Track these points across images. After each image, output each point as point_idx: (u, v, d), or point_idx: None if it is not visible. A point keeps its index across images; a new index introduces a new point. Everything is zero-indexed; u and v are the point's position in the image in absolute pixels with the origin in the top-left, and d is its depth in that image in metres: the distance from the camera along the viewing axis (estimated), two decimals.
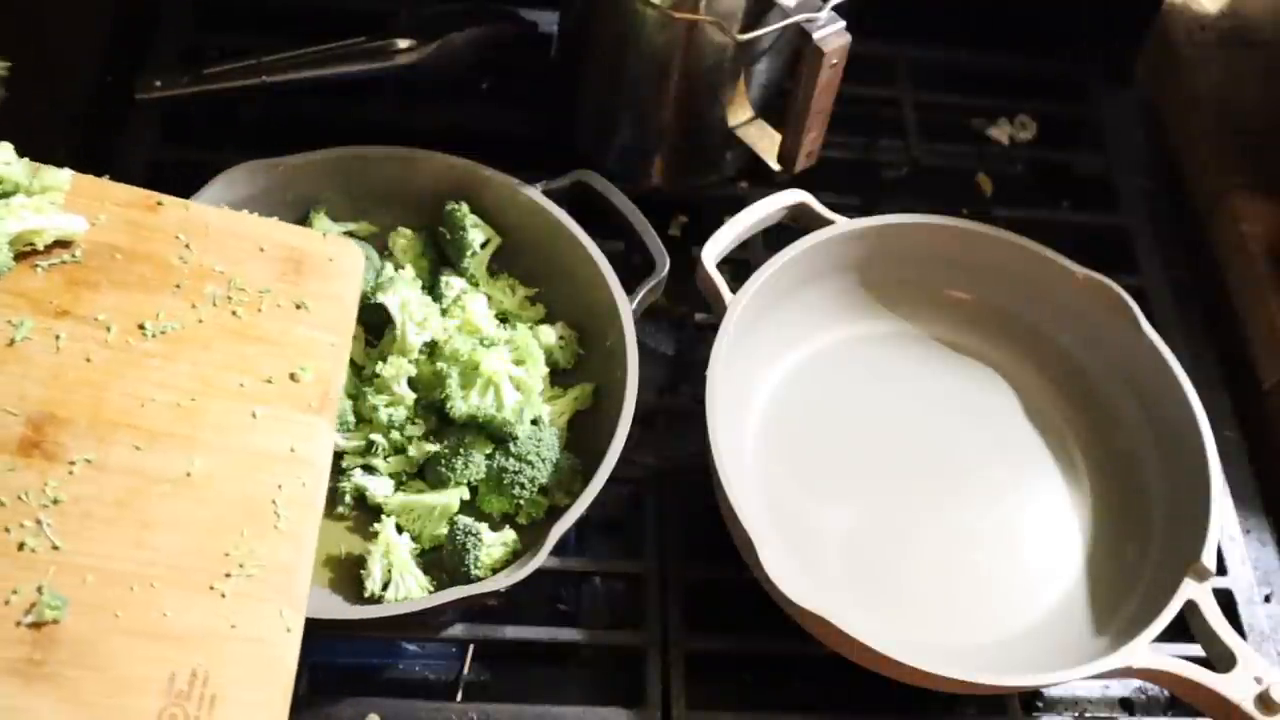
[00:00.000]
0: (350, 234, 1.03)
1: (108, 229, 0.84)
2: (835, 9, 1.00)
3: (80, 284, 0.82)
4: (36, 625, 0.68)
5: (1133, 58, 1.36)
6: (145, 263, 0.84)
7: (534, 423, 0.96)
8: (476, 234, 1.03)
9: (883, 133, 1.28)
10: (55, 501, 0.73)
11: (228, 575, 0.73)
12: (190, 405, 0.79)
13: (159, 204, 0.87)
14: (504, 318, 1.03)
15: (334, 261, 0.89)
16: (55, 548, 0.71)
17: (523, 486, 0.93)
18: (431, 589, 0.90)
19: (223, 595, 0.72)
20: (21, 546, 0.71)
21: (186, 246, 0.86)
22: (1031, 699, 0.97)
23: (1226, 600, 1.02)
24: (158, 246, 0.85)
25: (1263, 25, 1.34)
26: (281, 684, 0.72)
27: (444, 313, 1.01)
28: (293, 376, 0.82)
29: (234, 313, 0.84)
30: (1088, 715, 0.98)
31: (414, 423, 0.96)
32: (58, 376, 0.77)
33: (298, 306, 0.86)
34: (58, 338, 0.79)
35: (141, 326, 0.81)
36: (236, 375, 0.81)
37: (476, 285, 1.04)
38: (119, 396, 0.78)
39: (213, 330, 0.83)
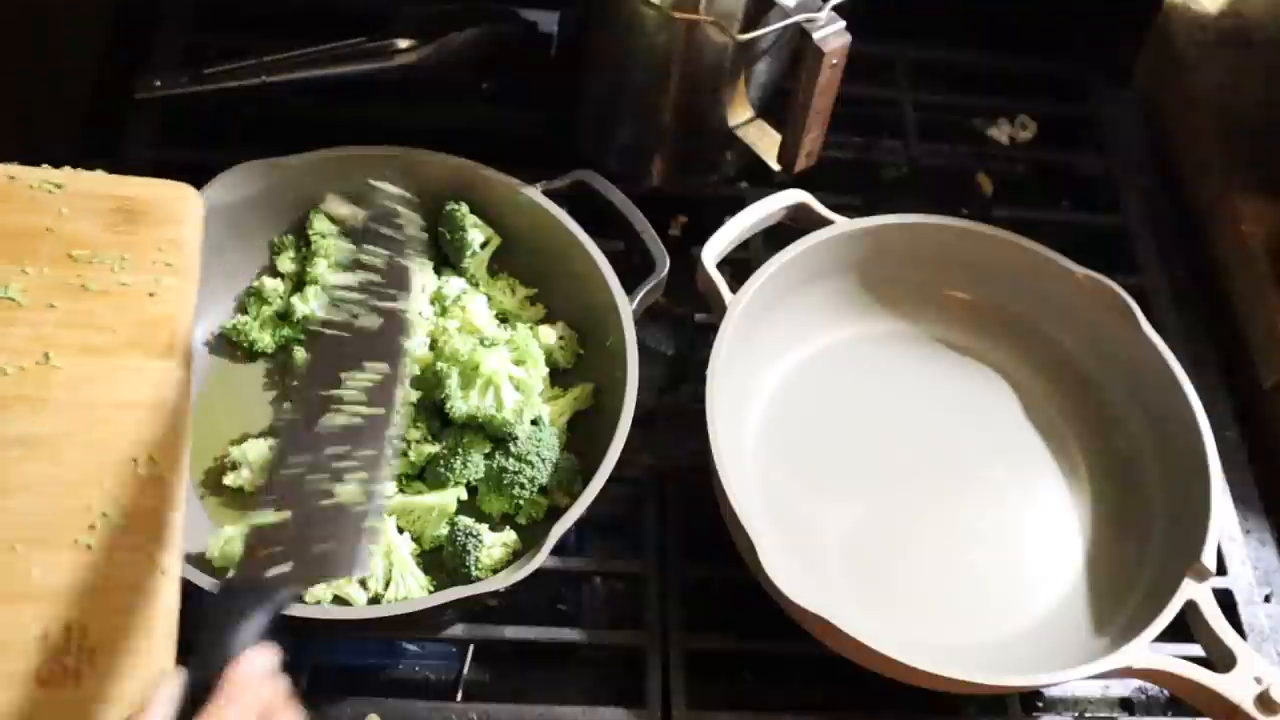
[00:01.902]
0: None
1: None
2: (835, 9, 1.00)
3: None
4: None
5: (1132, 58, 1.36)
6: None
7: (534, 423, 0.96)
8: (476, 234, 1.03)
9: (882, 133, 1.28)
10: None
11: (91, 527, 0.72)
12: (34, 367, 0.77)
13: None
14: (504, 318, 1.03)
15: (167, 205, 0.86)
16: None
17: (523, 486, 0.93)
18: (431, 589, 0.90)
19: (88, 547, 0.72)
20: None
21: (11, 210, 0.83)
22: (1031, 699, 0.97)
23: (1226, 600, 1.02)
24: None
25: (1263, 25, 1.34)
26: (161, 627, 0.71)
27: (444, 313, 1.01)
28: (138, 324, 0.80)
29: (69, 269, 0.81)
30: (1088, 715, 0.98)
31: (415, 426, 0.96)
32: None
33: (136, 255, 0.83)
34: None
35: None
36: (80, 331, 0.79)
37: (476, 285, 1.04)
38: None
39: (47, 290, 0.80)
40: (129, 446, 0.75)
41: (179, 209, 0.87)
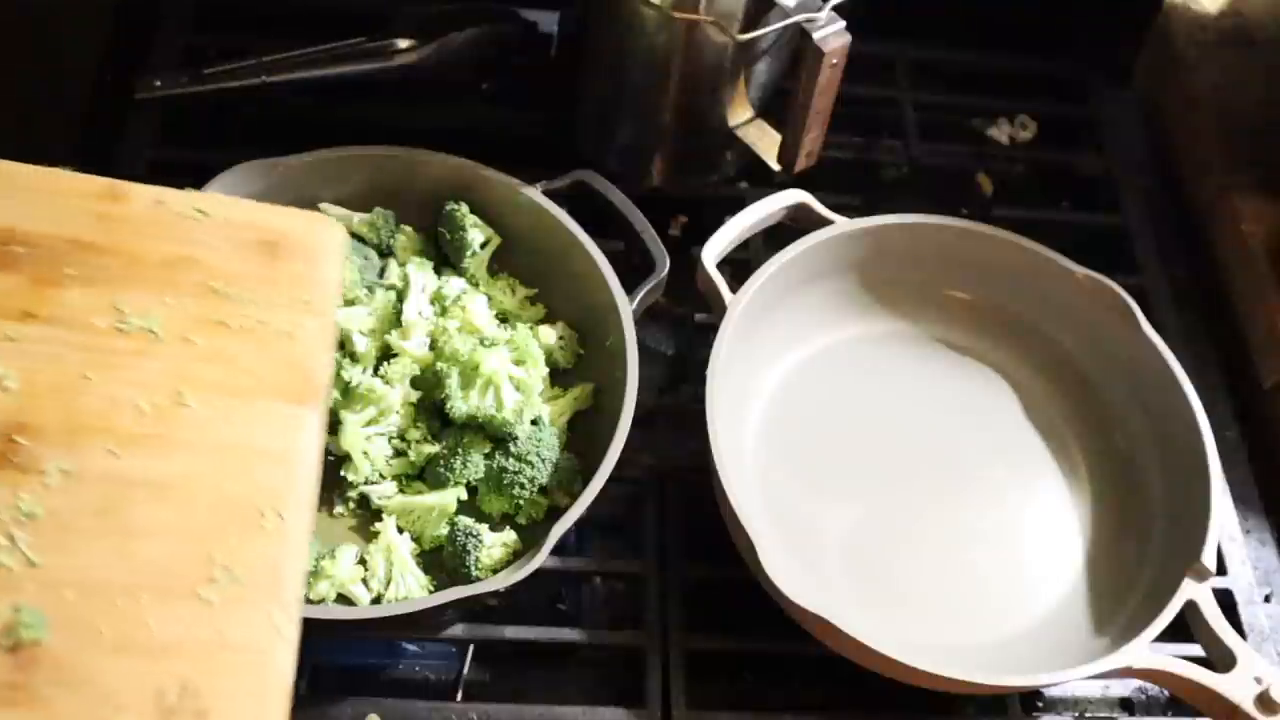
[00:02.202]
0: (351, 233, 1.03)
1: (72, 223, 0.80)
2: (835, 9, 1.00)
3: (45, 283, 0.77)
4: (14, 648, 0.65)
5: (1132, 58, 1.36)
6: (111, 256, 0.79)
7: (534, 423, 0.96)
8: (476, 234, 1.03)
9: (882, 133, 1.28)
10: (30, 516, 0.69)
11: (213, 581, 0.69)
12: (167, 404, 0.74)
13: (124, 194, 0.82)
14: (504, 318, 1.03)
15: (313, 242, 0.84)
16: (32, 564, 0.67)
17: (523, 486, 0.93)
18: (431, 589, 0.90)
19: (209, 602, 0.69)
20: None
21: (156, 236, 0.81)
22: (1031, 699, 0.97)
23: (1226, 600, 1.02)
24: (124, 238, 0.80)
25: (1263, 25, 1.34)
26: (276, 690, 0.69)
27: (444, 313, 1.01)
28: (275, 366, 0.78)
29: (208, 303, 0.79)
30: (1088, 715, 0.98)
31: (415, 426, 0.96)
32: (26, 382, 0.73)
33: (276, 291, 0.81)
34: (23, 341, 0.75)
35: (112, 324, 0.77)
36: (215, 369, 0.77)
37: (476, 285, 1.04)
38: (92, 399, 0.73)
39: (187, 323, 0.78)
40: (257, 497, 0.72)
41: (322, 245, 0.84)
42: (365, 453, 0.94)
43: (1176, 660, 0.89)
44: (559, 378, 1.02)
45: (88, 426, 0.73)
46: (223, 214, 0.83)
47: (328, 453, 0.86)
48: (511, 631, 0.93)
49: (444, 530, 0.92)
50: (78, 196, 0.81)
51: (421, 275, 1.02)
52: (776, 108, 1.11)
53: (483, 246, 1.04)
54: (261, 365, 0.77)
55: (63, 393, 0.74)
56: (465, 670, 0.94)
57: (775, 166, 1.11)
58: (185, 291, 0.79)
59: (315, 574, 0.88)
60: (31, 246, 0.78)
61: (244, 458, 0.74)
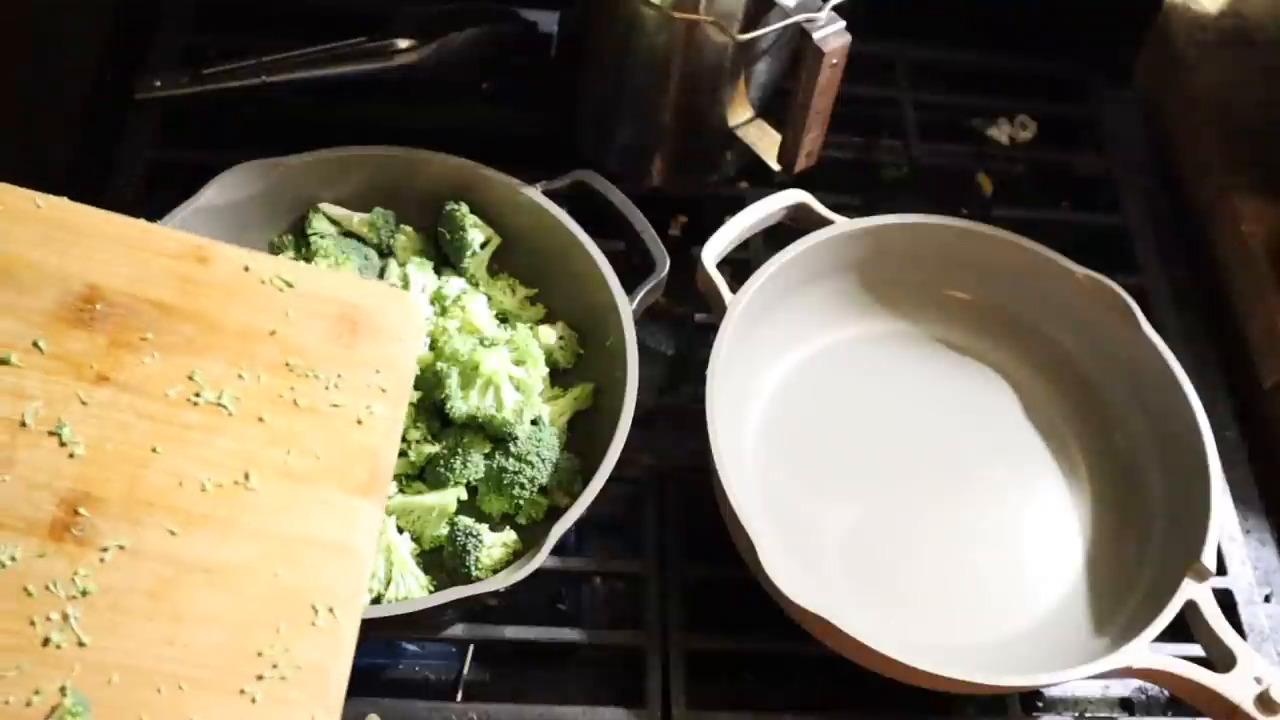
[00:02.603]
0: (350, 234, 1.03)
1: (156, 284, 0.78)
2: (835, 9, 1.00)
3: (122, 346, 0.76)
4: None
5: (1132, 58, 1.36)
6: (191, 322, 0.78)
7: (534, 423, 0.96)
8: (476, 234, 1.03)
9: (882, 133, 1.28)
10: (84, 593, 0.68)
11: (260, 677, 0.69)
12: (231, 486, 0.74)
13: (211, 256, 0.81)
14: (504, 318, 1.03)
15: (391, 318, 0.83)
16: (81, 644, 0.67)
17: (523, 486, 0.93)
18: (431, 589, 0.90)
19: (253, 700, 0.68)
20: (47, 642, 0.67)
21: (238, 305, 0.80)
22: (1031, 699, 0.97)
23: (1226, 600, 1.02)
24: (205, 303, 0.79)
25: (1263, 25, 1.34)
26: None
27: (444, 313, 1.01)
28: (342, 454, 0.77)
29: (283, 380, 0.78)
30: (1088, 715, 0.98)
31: (415, 426, 0.96)
32: (93, 451, 0.72)
33: (352, 373, 0.80)
34: (95, 406, 0.74)
35: (185, 395, 0.76)
36: (282, 452, 0.76)
37: (476, 285, 1.04)
38: (157, 474, 0.73)
39: (261, 400, 0.77)
40: (311, 592, 0.71)
41: (402, 324, 0.83)
42: None
43: (1176, 660, 0.89)
44: (559, 378, 1.02)
45: (150, 503, 0.72)
46: (307, 285, 0.82)
47: None
48: (511, 631, 0.93)
49: (444, 530, 0.92)
50: (165, 256, 0.79)
51: (421, 275, 1.01)
52: (776, 108, 1.11)
53: (483, 246, 1.04)
54: (329, 451, 0.76)
55: (129, 464, 0.73)
56: (465, 670, 0.94)
57: (775, 166, 1.11)
58: (261, 366, 0.78)
59: None
60: (112, 306, 0.77)
61: (302, 548, 0.73)
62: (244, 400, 0.77)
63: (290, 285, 0.82)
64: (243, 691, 0.68)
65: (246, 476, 0.74)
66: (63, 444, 0.72)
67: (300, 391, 0.78)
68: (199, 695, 0.67)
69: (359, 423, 0.78)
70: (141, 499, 0.72)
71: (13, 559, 0.68)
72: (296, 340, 0.79)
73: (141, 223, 0.82)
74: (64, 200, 0.79)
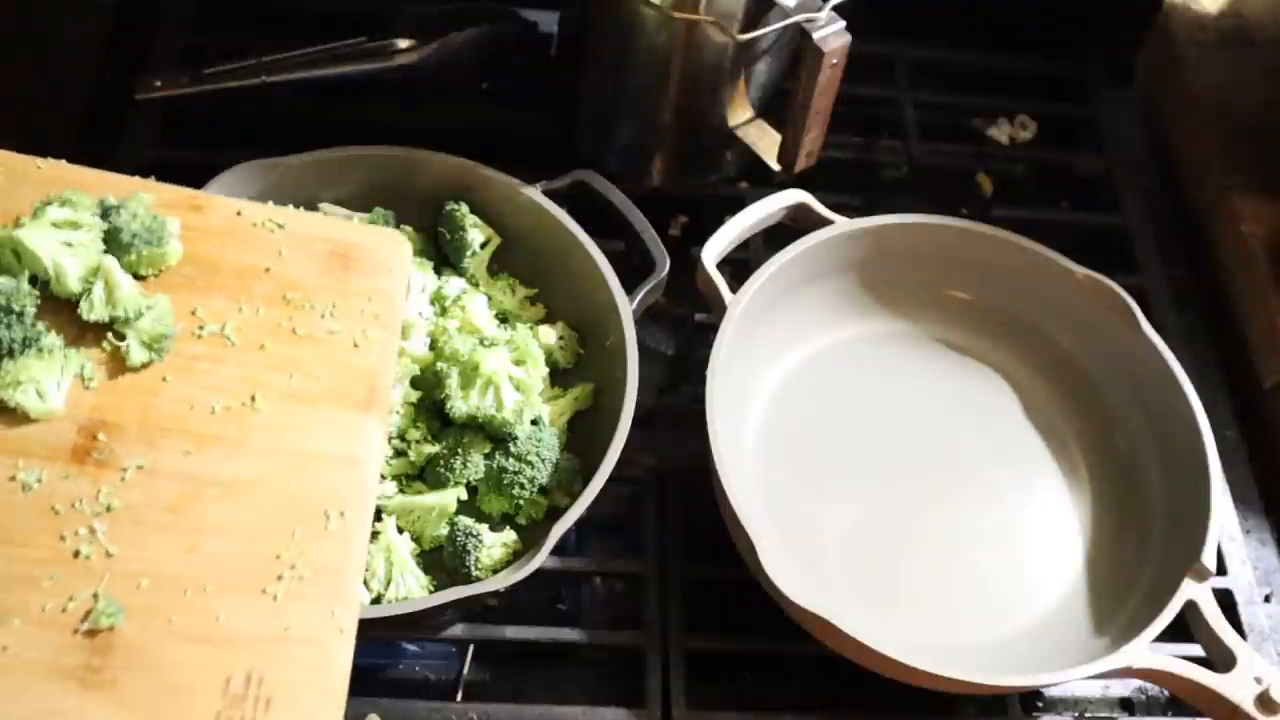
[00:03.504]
0: None
1: None
2: (835, 9, 1.00)
3: None
4: (93, 632, 0.69)
5: (1132, 58, 1.36)
6: (190, 264, 0.83)
7: (534, 423, 0.96)
8: (476, 234, 1.03)
9: (882, 133, 1.28)
10: (108, 508, 0.73)
11: (279, 578, 0.73)
12: (239, 408, 0.78)
13: (204, 205, 0.86)
14: (504, 318, 1.03)
15: (382, 255, 0.88)
16: (109, 554, 0.71)
17: (522, 487, 0.93)
18: (431, 589, 0.90)
19: (275, 598, 0.72)
20: (77, 554, 0.71)
21: (234, 247, 0.85)
22: (1031, 699, 0.97)
23: (1226, 600, 1.02)
24: (202, 247, 0.84)
25: (1263, 25, 1.35)
26: (335, 684, 0.72)
27: (444, 313, 1.01)
28: (342, 374, 0.81)
29: (281, 312, 0.83)
30: (1088, 715, 0.98)
31: (415, 426, 0.96)
32: (107, 383, 0.77)
33: (345, 303, 0.84)
34: (106, 345, 0.79)
35: (190, 329, 0.80)
36: (285, 376, 0.80)
37: (476, 285, 1.04)
38: (168, 401, 0.77)
39: (260, 331, 0.82)
40: (321, 499, 0.76)
41: (390, 258, 0.88)
42: None
43: (1176, 660, 0.89)
44: (559, 378, 1.02)
45: (164, 427, 0.77)
46: (298, 226, 0.87)
47: None
48: (511, 631, 0.93)
49: (444, 530, 0.92)
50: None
51: (421, 275, 1.01)
52: (776, 108, 1.11)
53: (483, 246, 1.04)
54: (329, 373, 0.81)
55: (141, 393, 0.78)
56: (465, 670, 0.94)
57: (775, 166, 1.11)
58: (260, 300, 0.83)
59: None
60: None
61: (310, 461, 0.77)
62: (245, 331, 0.81)
63: (281, 227, 0.87)
64: (264, 591, 0.72)
65: (253, 399, 0.79)
66: (78, 378, 0.77)
67: (298, 321, 0.83)
68: (224, 596, 0.71)
69: (356, 346, 0.83)
70: (155, 424, 0.76)
71: (39, 481, 0.73)
72: (291, 275, 0.84)
73: (137, 179, 0.86)
74: (62, 162, 0.84)
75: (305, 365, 0.81)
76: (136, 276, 0.81)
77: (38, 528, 0.72)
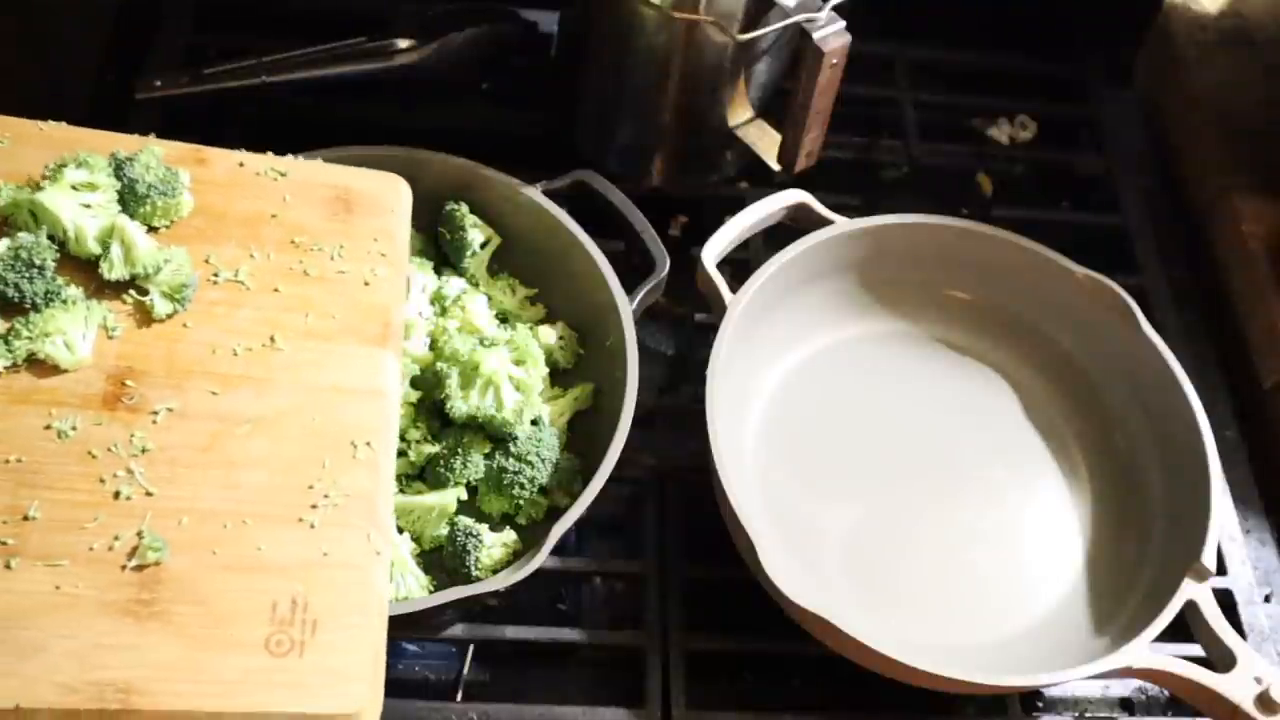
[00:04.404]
0: None
1: None
2: (835, 9, 1.00)
3: None
4: (140, 567, 0.71)
5: (1132, 58, 1.36)
6: (199, 215, 0.86)
7: (534, 423, 0.96)
8: (476, 234, 1.03)
9: (882, 133, 1.28)
10: (144, 450, 0.75)
11: (314, 506, 0.75)
12: (260, 349, 0.81)
13: (206, 158, 0.88)
14: (504, 318, 1.03)
15: (383, 197, 0.90)
16: (149, 494, 0.74)
17: (522, 487, 0.93)
18: (431, 589, 0.90)
19: (311, 525, 0.75)
20: (117, 495, 0.73)
21: (239, 196, 0.87)
22: (1031, 699, 0.97)
23: (1226, 600, 1.02)
24: (209, 198, 0.87)
25: (1263, 25, 1.35)
26: (376, 604, 0.74)
27: (444, 313, 1.01)
28: (355, 311, 0.84)
29: (291, 255, 0.86)
30: (1088, 715, 0.98)
31: (415, 426, 0.96)
32: (132, 332, 0.80)
33: (352, 243, 0.87)
34: (128, 299, 0.81)
35: (204, 277, 0.83)
36: (301, 316, 0.83)
37: (476, 285, 1.04)
38: (191, 345, 0.80)
39: (272, 274, 0.84)
40: (347, 430, 0.79)
41: (391, 199, 0.91)
42: None
43: (1176, 660, 0.89)
44: (559, 378, 1.02)
45: (189, 370, 0.79)
46: (299, 174, 0.91)
47: None
48: (511, 631, 0.93)
49: (444, 530, 0.92)
50: (166, 161, 0.86)
51: (421, 275, 1.02)
52: (776, 108, 1.11)
53: (483, 246, 1.04)
54: (343, 310, 0.84)
55: (164, 340, 0.81)
56: (465, 670, 0.94)
57: (775, 166, 1.11)
58: (270, 245, 0.86)
59: None
60: None
61: (333, 395, 0.81)
62: (258, 275, 0.84)
63: (284, 175, 0.90)
64: (301, 519, 0.75)
65: (272, 339, 0.82)
66: (102, 328, 0.80)
67: (308, 263, 0.86)
68: (262, 526, 0.74)
69: (366, 284, 0.86)
70: (181, 368, 0.79)
71: (74, 428, 0.76)
72: (297, 220, 0.88)
73: (137, 136, 0.88)
74: (63, 124, 0.87)
75: (319, 304, 0.84)
76: (150, 229, 0.84)
77: (77, 473, 0.74)
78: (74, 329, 0.78)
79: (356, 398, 0.80)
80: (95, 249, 0.81)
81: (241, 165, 0.89)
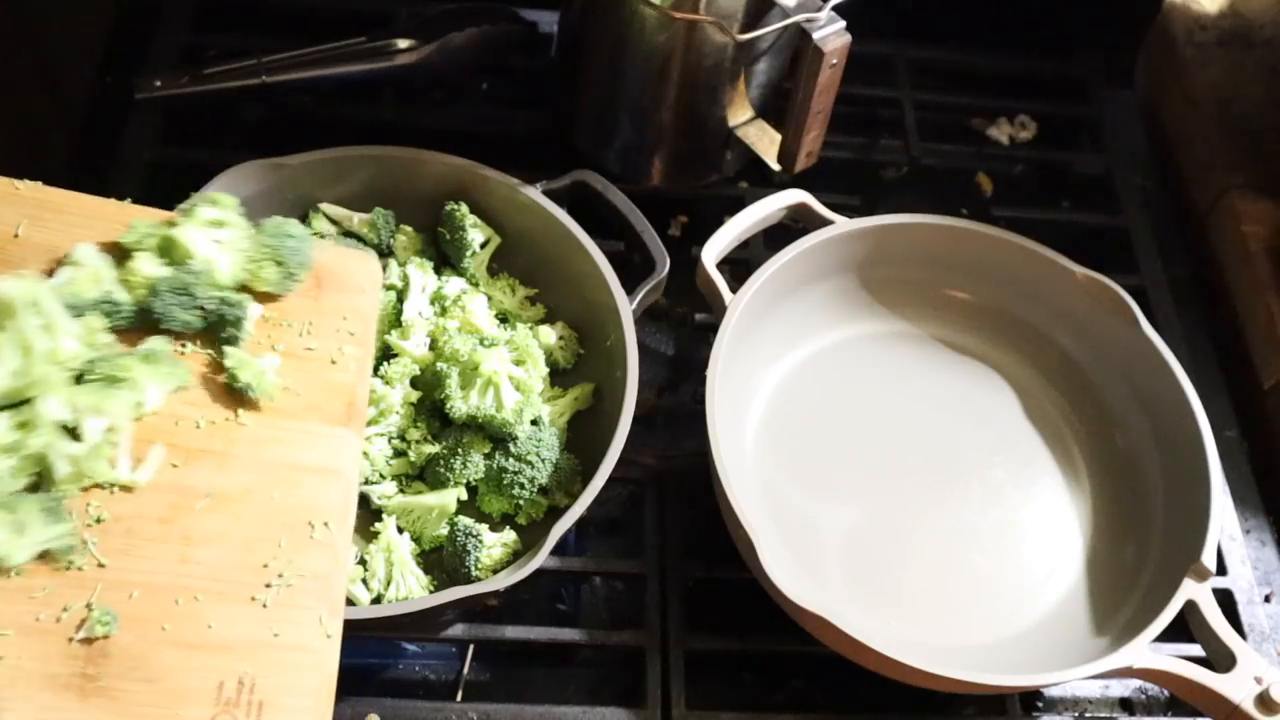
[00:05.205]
0: (350, 233, 1.03)
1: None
2: (835, 9, 1.00)
3: None
4: (88, 640, 0.70)
5: (1132, 58, 1.36)
6: None
7: (534, 423, 0.96)
8: (476, 234, 1.03)
9: (882, 133, 1.28)
10: (99, 520, 0.74)
11: (268, 585, 0.74)
12: (223, 422, 0.80)
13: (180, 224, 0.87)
14: (504, 318, 1.03)
15: (353, 275, 0.89)
16: (101, 565, 0.72)
17: (522, 486, 0.93)
18: (432, 589, 0.90)
19: (264, 605, 0.73)
20: (69, 565, 0.72)
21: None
22: (1031, 699, 0.97)
23: (1226, 600, 1.02)
24: None
25: (1263, 25, 1.35)
26: (324, 688, 0.73)
27: (444, 313, 1.01)
28: (320, 390, 0.83)
29: (260, 330, 0.84)
30: (1088, 715, 0.98)
31: (415, 426, 0.96)
32: None
33: (322, 321, 0.86)
34: None
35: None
36: None
37: (476, 285, 1.04)
38: (153, 416, 0.79)
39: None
40: (306, 510, 0.78)
41: (363, 278, 0.90)
42: (365, 453, 0.94)
43: (1176, 660, 0.89)
44: (559, 378, 1.02)
45: (149, 440, 0.77)
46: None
47: None
48: (511, 631, 0.93)
49: (444, 530, 0.92)
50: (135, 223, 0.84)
51: (421, 275, 1.02)
52: (776, 108, 1.11)
53: (483, 246, 1.04)
54: (309, 389, 0.83)
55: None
56: (465, 670, 0.94)
57: (775, 166, 1.11)
58: None
59: None
60: None
61: (294, 473, 0.79)
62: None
63: None
64: (254, 598, 0.74)
65: (236, 413, 0.80)
66: None
67: (277, 338, 0.85)
68: (214, 604, 0.73)
69: (333, 363, 0.85)
70: (140, 438, 0.78)
71: None
72: (268, 297, 0.86)
73: (113, 201, 0.87)
74: (39, 184, 0.85)
75: (285, 381, 0.82)
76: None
77: None
78: None
79: (317, 477, 0.79)
80: (229, 282, 0.82)
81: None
